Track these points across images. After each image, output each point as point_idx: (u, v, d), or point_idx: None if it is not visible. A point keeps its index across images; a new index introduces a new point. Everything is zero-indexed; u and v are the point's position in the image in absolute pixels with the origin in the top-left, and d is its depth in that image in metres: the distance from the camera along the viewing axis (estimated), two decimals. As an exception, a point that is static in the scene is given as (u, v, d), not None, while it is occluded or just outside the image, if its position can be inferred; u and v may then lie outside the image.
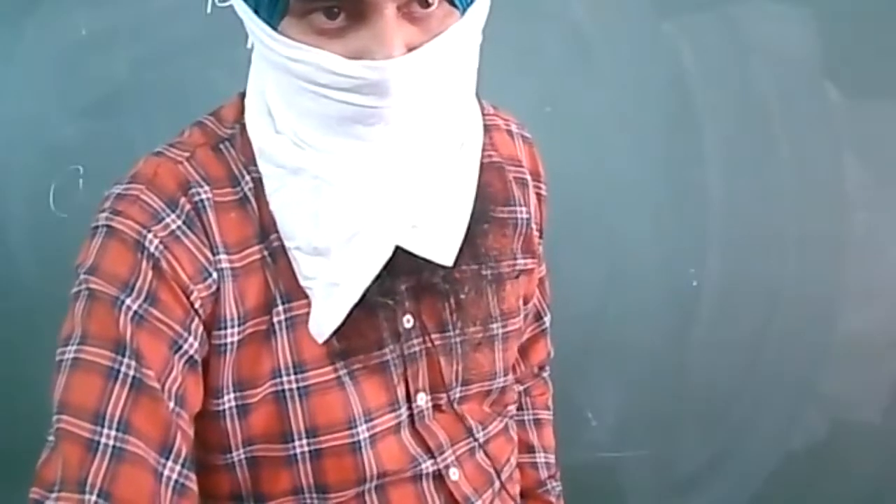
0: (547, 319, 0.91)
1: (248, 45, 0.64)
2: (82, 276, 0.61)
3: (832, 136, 1.29)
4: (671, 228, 1.32)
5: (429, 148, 0.62)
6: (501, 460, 0.78)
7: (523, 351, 0.89)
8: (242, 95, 0.69)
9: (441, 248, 0.64)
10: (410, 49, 0.58)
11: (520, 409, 0.90)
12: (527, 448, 0.90)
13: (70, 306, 0.61)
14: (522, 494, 0.86)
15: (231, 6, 0.63)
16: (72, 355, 0.58)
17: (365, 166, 0.60)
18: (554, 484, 0.91)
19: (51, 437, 0.58)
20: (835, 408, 1.34)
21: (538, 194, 0.81)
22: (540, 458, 0.90)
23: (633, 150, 1.31)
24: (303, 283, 0.64)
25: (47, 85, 1.32)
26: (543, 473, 0.90)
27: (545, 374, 0.94)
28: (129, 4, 1.30)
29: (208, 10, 1.29)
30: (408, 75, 0.57)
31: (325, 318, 0.63)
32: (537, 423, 0.92)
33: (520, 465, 0.86)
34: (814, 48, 1.27)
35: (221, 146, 0.67)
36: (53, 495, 0.55)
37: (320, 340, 0.64)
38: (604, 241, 1.33)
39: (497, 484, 0.76)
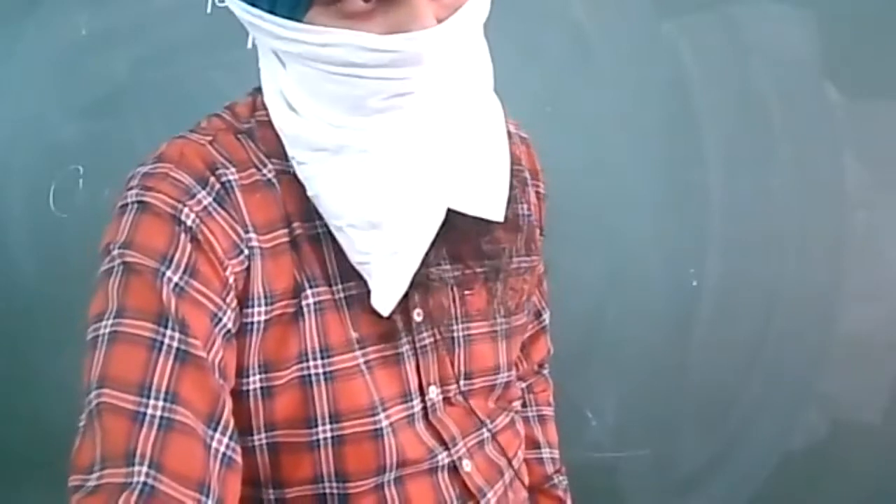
0: (546, 316, 0.92)
1: (249, 46, 0.64)
2: (116, 252, 0.59)
3: (832, 136, 1.29)
4: (671, 228, 1.32)
5: (461, 112, 0.63)
6: (510, 452, 0.78)
7: (524, 348, 0.89)
8: (252, 95, 0.69)
9: (489, 204, 0.66)
10: (439, 22, 0.59)
11: (523, 405, 0.91)
12: (532, 444, 0.91)
13: (100, 284, 0.59)
14: (530, 490, 0.86)
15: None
16: (109, 329, 0.56)
17: (404, 136, 0.61)
18: (560, 478, 0.92)
19: (83, 422, 0.55)
20: (835, 408, 1.33)
21: (537, 192, 0.82)
22: (545, 453, 0.91)
23: (633, 150, 1.31)
24: (357, 259, 0.64)
25: (47, 85, 1.32)
26: (549, 468, 0.91)
27: (545, 371, 0.95)
28: (129, 4, 1.30)
29: (208, 9, 1.29)
30: (439, 45, 0.59)
31: (387, 290, 0.64)
32: (541, 419, 0.93)
33: (526, 462, 0.87)
34: (814, 48, 1.27)
35: (240, 136, 0.68)
36: (95, 475, 0.52)
37: (385, 314, 0.65)
38: (604, 241, 1.33)
39: (507, 476, 0.77)
